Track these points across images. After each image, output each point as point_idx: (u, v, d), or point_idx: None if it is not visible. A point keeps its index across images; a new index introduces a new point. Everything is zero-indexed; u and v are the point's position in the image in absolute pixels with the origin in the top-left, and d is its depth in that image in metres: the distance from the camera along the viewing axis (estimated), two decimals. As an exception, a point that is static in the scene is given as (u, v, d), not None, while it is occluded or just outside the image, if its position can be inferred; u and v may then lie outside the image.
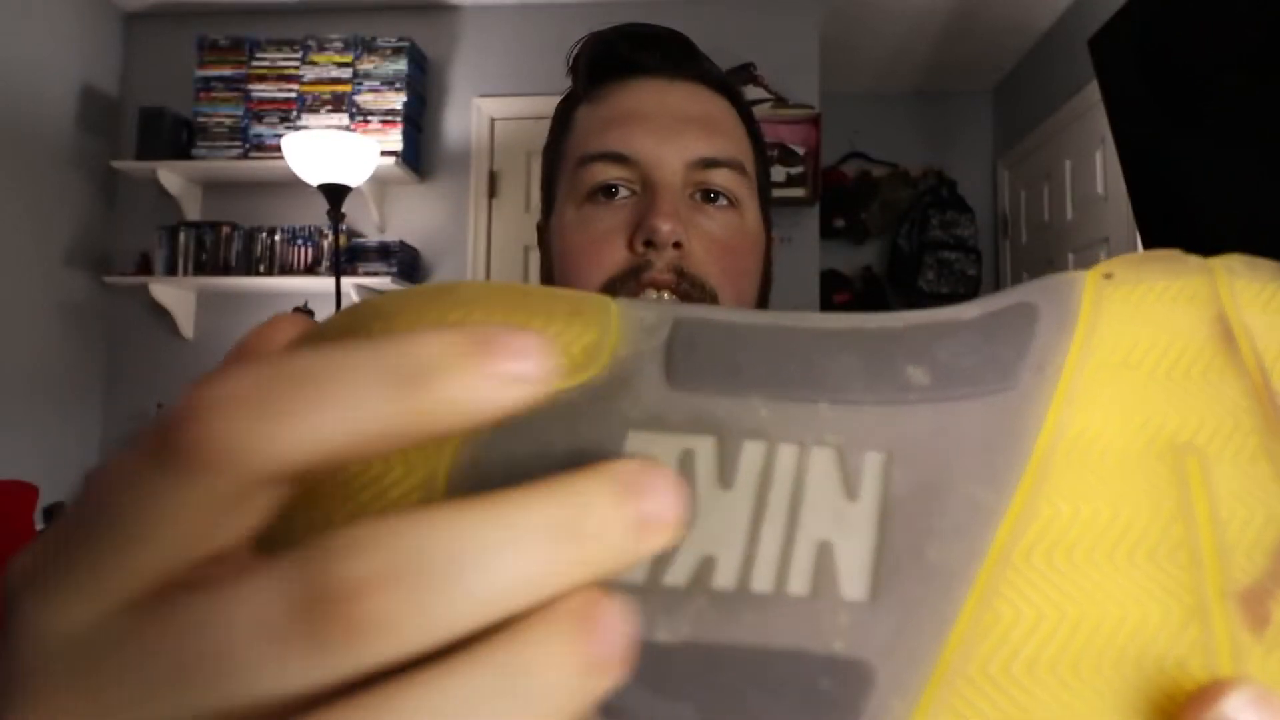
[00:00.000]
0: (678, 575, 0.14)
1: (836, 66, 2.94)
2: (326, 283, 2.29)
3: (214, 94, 2.49)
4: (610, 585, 0.13)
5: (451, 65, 2.60)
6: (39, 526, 1.83)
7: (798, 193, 2.41)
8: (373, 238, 2.47)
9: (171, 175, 2.44)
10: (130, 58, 2.67)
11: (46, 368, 2.35)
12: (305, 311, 2.33)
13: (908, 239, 3.12)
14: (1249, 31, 1.28)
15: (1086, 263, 2.53)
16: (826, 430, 0.15)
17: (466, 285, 0.16)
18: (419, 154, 2.55)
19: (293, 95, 2.47)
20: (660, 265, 0.46)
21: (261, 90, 2.48)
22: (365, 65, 2.45)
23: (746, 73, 2.39)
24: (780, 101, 2.41)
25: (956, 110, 3.31)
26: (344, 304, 2.22)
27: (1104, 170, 2.41)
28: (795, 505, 0.14)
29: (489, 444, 0.14)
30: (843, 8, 2.63)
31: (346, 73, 2.46)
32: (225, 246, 2.43)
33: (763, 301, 0.53)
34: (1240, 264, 0.18)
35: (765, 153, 0.56)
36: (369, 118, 2.43)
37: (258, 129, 2.46)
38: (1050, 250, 2.78)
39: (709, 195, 0.49)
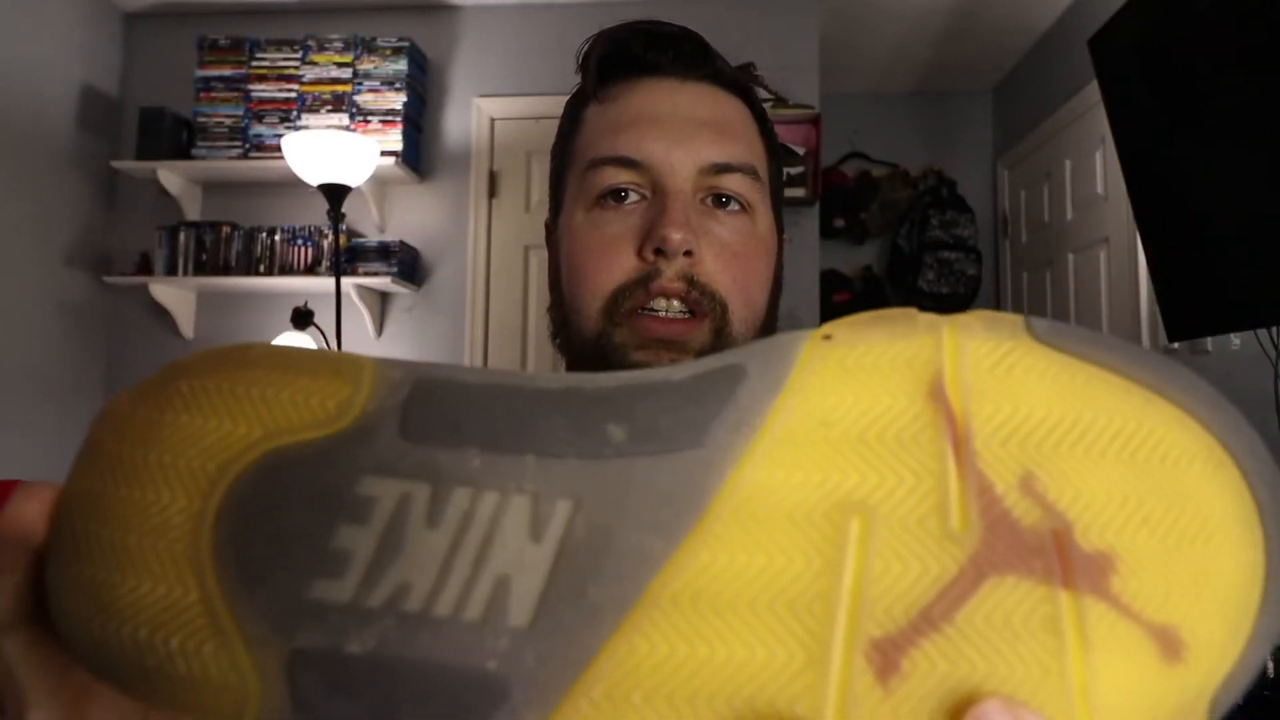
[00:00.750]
0: (376, 598, 0.17)
1: (836, 66, 2.94)
2: (326, 283, 2.29)
3: (214, 94, 2.49)
4: (319, 602, 0.17)
5: (451, 65, 2.60)
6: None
7: (798, 193, 2.41)
8: (373, 238, 2.47)
9: (171, 175, 2.44)
10: (130, 58, 2.67)
11: (46, 368, 2.35)
12: (305, 311, 2.33)
13: (908, 239, 3.12)
14: (1249, 31, 1.28)
15: (1087, 262, 2.52)
16: (527, 479, 0.17)
17: (255, 347, 0.19)
18: (419, 154, 2.55)
19: (293, 95, 2.47)
20: (670, 274, 0.45)
21: (261, 90, 2.48)
22: (365, 65, 2.45)
23: (746, 73, 2.39)
24: (780, 101, 2.41)
25: (956, 110, 3.30)
26: (344, 304, 2.23)
27: (1104, 170, 2.41)
28: (486, 544, 0.17)
29: (252, 483, 0.17)
30: (843, 8, 2.63)
31: (346, 73, 2.46)
32: (225, 246, 2.43)
33: (773, 305, 0.51)
34: (980, 323, 0.18)
35: (778, 154, 0.55)
36: (369, 118, 2.43)
37: (258, 129, 2.46)
38: (1050, 250, 2.78)
39: (720, 200, 0.48)
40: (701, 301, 0.46)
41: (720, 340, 0.46)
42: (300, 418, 0.18)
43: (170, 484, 0.18)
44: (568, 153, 0.52)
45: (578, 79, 0.53)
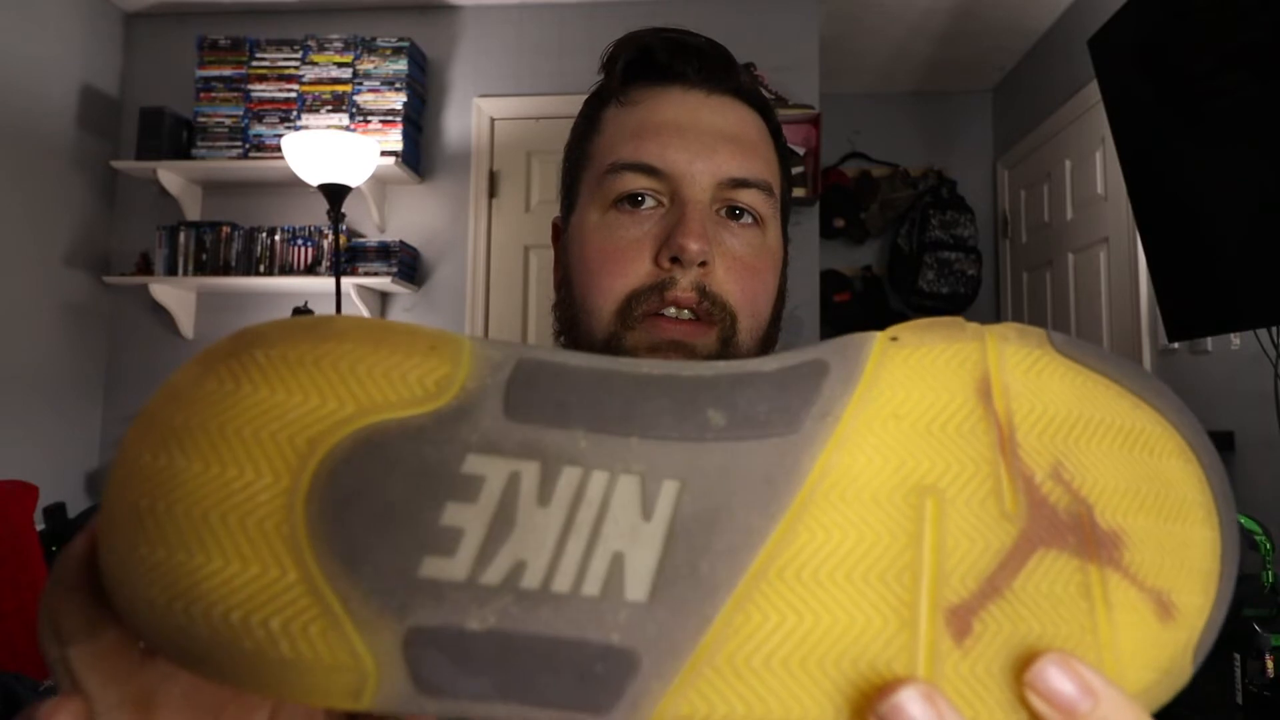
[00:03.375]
0: (493, 575, 0.17)
1: (836, 66, 2.94)
2: (326, 283, 2.29)
3: (214, 94, 2.49)
4: (435, 581, 0.17)
5: (451, 65, 2.60)
6: (39, 526, 1.83)
7: (798, 193, 2.41)
8: (373, 238, 2.48)
9: (171, 175, 2.44)
10: (130, 58, 2.67)
11: (47, 368, 2.35)
12: (305, 311, 2.32)
13: (908, 239, 3.12)
14: (1249, 31, 1.28)
15: (1087, 262, 2.52)
16: (635, 460, 0.18)
17: (341, 319, 0.19)
18: (419, 154, 2.55)
19: (293, 95, 2.47)
20: (684, 283, 0.46)
21: (261, 90, 2.48)
22: (365, 65, 2.45)
23: (747, 73, 2.39)
24: (780, 101, 2.41)
25: (956, 110, 3.30)
26: (344, 304, 2.23)
27: (1104, 170, 2.41)
28: (599, 521, 0.18)
29: (347, 460, 0.17)
30: (843, 8, 2.63)
31: (346, 73, 2.46)
32: (225, 246, 2.43)
33: (776, 317, 0.52)
34: (1014, 332, 0.21)
35: (790, 169, 0.56)
36: (369, 118, 2.43)
37: (258, 129, 2.46)
38: (1050, 250, 2.78)
39: (734, 212, 0.49)
40: (713, 312, 0.47)
41: (727, 349, 0.47)
42: (397, 394, 0.18)
43: (254, 459, 0.18)
44: (584, 153, 0.52)
45: (590, 78, 0.53)
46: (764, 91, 2.20)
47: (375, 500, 0.17)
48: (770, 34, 2.50)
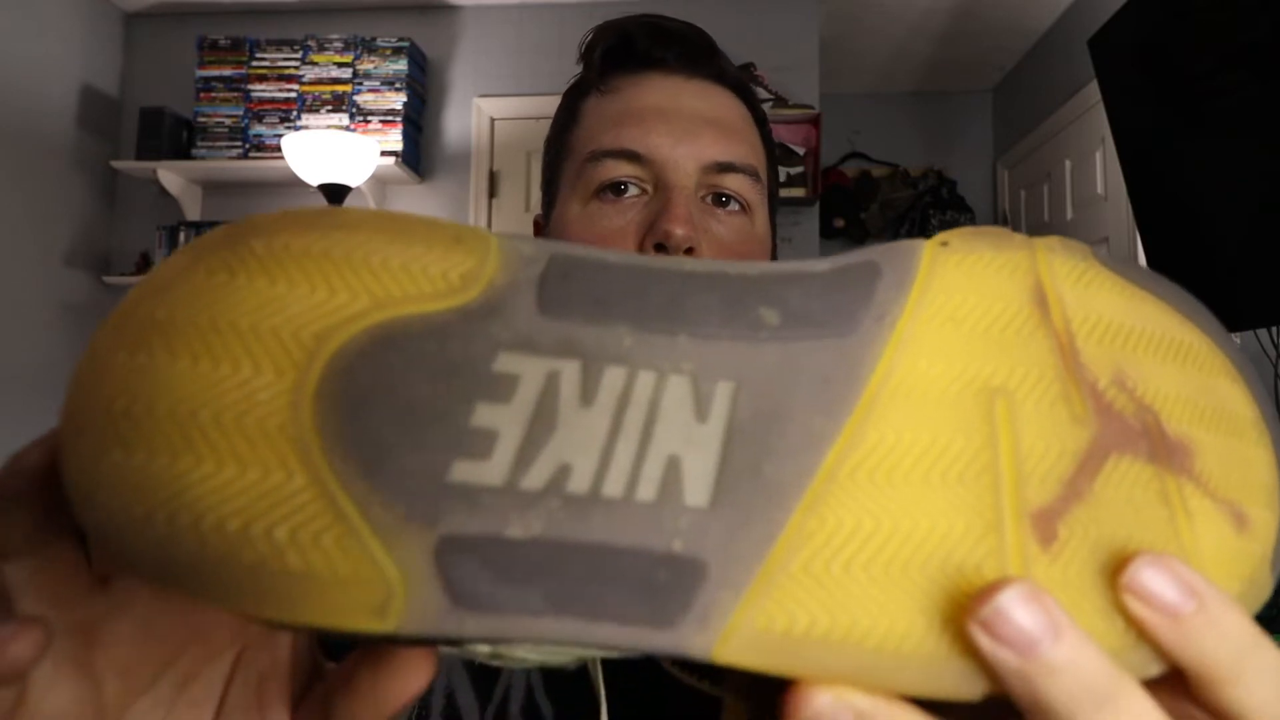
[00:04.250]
0: (534, 479, 0.16)
1: (836, 66, 2.94)
2: (326, 283, 2.29)
3: (214, 94, 2.49)
4: (468, 485, 0.16)
5: (451, 65, 2.60)
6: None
7: (798, 193, 2.41)
8: (373, 238, 2.47)
9: (171, 175, 2.44)
10: (130, 58, 2.67)
11: (47, 368, 2.35)
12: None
13: (908, 239, 3.12)
14: (1249, 31, 1.28)
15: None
16: (684, 359, 0.17)
17: (351, 210, 0.17)
18: (419, 154, 2.55)
19: (293, 95, 2.47)
20: None
21: (261, 90, 2.48)
22: (365, 65, 2.45)
23: (746, 73, 2.39)
24: (780, 101, 2.41)
25: (956, 110, 3.30)
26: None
27: (1104, 170, 2.41)
28: (650, 423, 0.16)
29: (362, 357, 0.16)
30: (843, 8, 2.63)
31: (346, 73, 2.46)
32: (225, 246, 2.43)
33: None
34: (1059, 243, 0.20)
35: (775, 157, 0.55)
36: (369, 118, 2.43)
37: (258, 129, 2.46)
38: (1050, 250, 2.78)
39: (720, 199, 0.48)
40: None
41: None
42: (417, 287, 0.16)
43: (253, 354, 0.16)
44: (564, 144, 0.51)
45: (578, 71, 0.52)
46: (764, 91, 2.18)
47: (396, 400, 0.16)
48: (770, 34, 2.50)
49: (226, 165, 2.44)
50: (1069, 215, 2.66)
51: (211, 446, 0.15)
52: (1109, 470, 0.18)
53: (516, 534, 0.15)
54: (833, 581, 0.16)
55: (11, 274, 2.24)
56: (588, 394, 0.16)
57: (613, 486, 0.16)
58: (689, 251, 0.45)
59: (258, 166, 2.42)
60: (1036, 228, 2.90)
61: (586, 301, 0.17)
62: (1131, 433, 0.18)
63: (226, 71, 2.49)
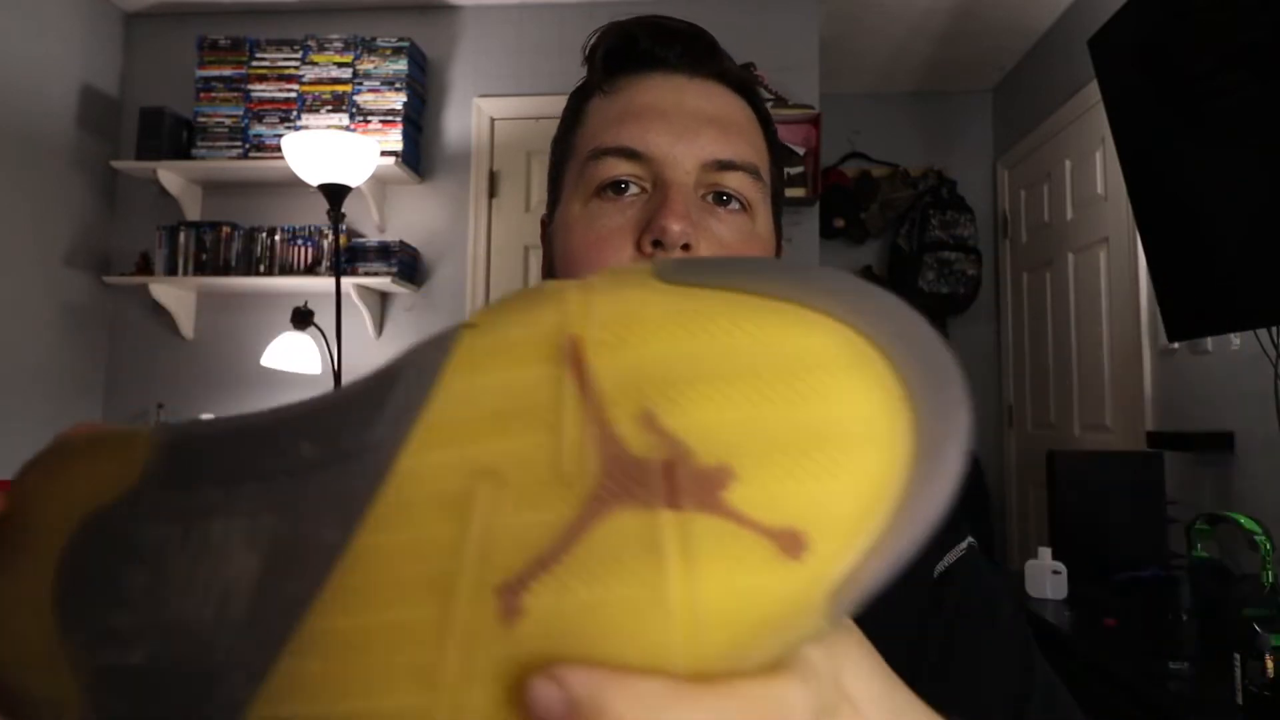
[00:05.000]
0: (146, 616, 0.20)
1: (836, 66, 2.94)
2: (326, 283, 2.29)
3: (214, 94, 2.49)
4: (112, 627, 0.20)
5: (451, 65, 2.60)
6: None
7: (798, 193, 2.41)
8: (373, 238, 2.48)
9: (171, 175, 2.44)
10: (130, 58, 2.67)
11: (47, 367, 2.35)
12: (305, 311, 2.33)
13: (908, 239, 3.12)
14: (1249, 31, 1.29)
15: (1087, 262, 2.50)
16: (246, 502, 0.20)
17: (67, 436, 0.24)
18: (419, 154, 2.55)
19: (293, 95, 2.47)
20: None
21: (261, 90, 2.48)
22: (365, 65, 2.45)
23: (746, 73, 2.39)
24: (780, 101, 2.41)
25: (956, 110, 3.31)
26: (344, 304, 2.22)
27: (1104, 170, 2.41)
28: (219, 561, 0.20)
29: (75, 543, 0.21)
30: (843, 8, 2.63)
31: (346, 73, 2.46)
32: (225, 246, 2.43)
33: None
34: (605, 280, 0.20)
35: (780, 156, 0.55)
36: (369, 118, 2.44)
37: (258, 129, 2.46)
38: (1050, 250, 2.78)
39: (721, 198, 0.48)
40: None
41: None
42: (97, 490, 0.22)
43: (28, 549, 0.22)
44: (568, 145, 0.52)
45: (582, 75, 0.52)
46: (764, 91, 2.18)
47: (87, 570, 0.21)
48: (770, 34, 2.50)
49: (226, 165, 2.44)
50: (1069, 215, 2.66)
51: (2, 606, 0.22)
52: (593, 531, 0.18)
53: (135, 660, 0.20)
54: (339, 665, 0.19)
55: (11, 274, 2.24)
56: (185, 545, 0.20)
57: (190, 614, 0.19)
58: (685, 248, 0.44)
59: (258, 166, 2.43)
60: (1036, 227, 2.91)
61: (191, 471, 0.21)
62: (634, 481, 0.18)
63: (226, 71, 2.49)
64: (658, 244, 0.44)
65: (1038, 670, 0.44)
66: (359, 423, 0.20)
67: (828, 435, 0.18)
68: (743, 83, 0.52)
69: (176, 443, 0.22)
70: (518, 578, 0.18)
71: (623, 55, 0.50)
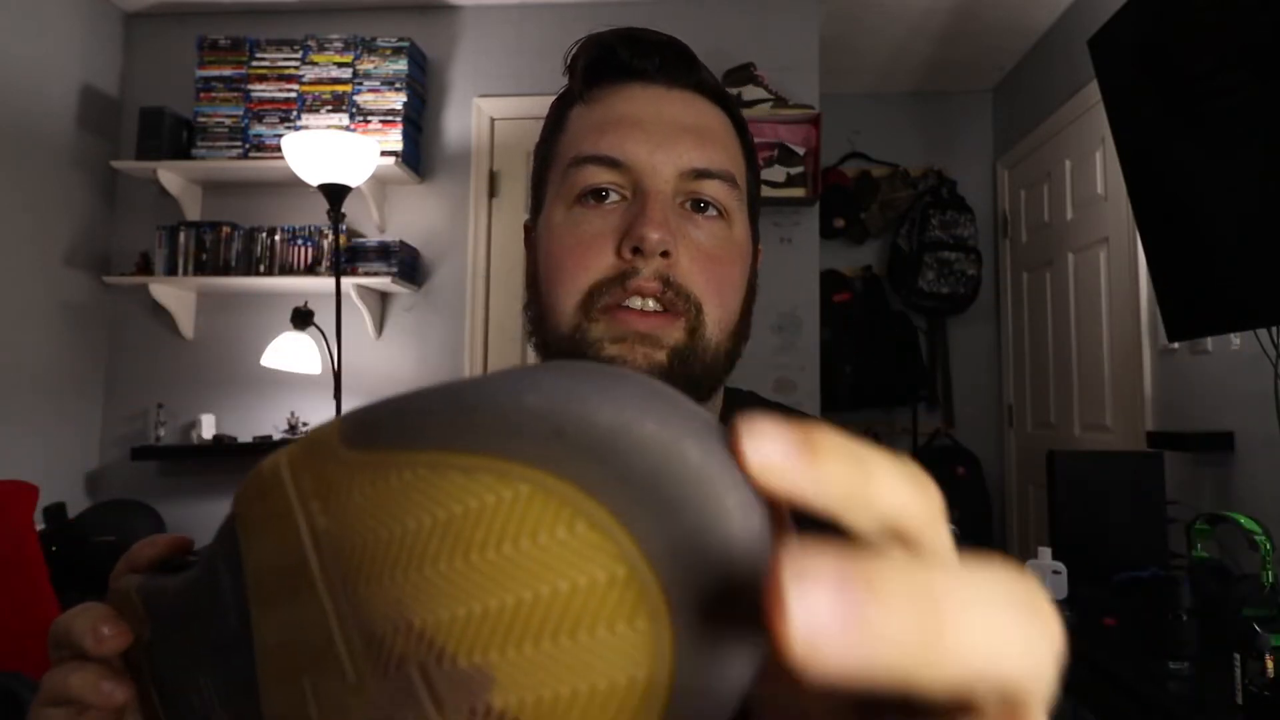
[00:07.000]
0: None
1: (836, 66, 2.94)
2: (326, 283, 2.29)
3: (214, 94, 2.49)
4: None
5: (451, 65, 2.60)
6: (39, 526, 1.83)
7: (798, 193, 2.41)
8: (373, 238, 2.47)
9: (171, 175, 2.44)
10: (130, 58, 2.67)
11: (47, 367, 2.35)
12: (305, 311, 2.33)
13: (907, 239, 3.12)
14: (1249, 31, 1.28)
15: (1087, 262, 2.50)
16: (205, 668, 0.25)
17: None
18: (419, 154, 2.55)
19: (293, 95, 2.47)
20: (647, 273, 0.46)
21: (261, 90, 2.48)
22: (365, 65, 2.45)
23: (746, 73, 2.39)
24: (780, 101, 2.41)
25: (956, 110, 3.31)
26: (344, 304, 2.22)
27: (1104, 170, 2.41)
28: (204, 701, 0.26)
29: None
30: (843, 8, 2.63)
31: (346, 73, 2.46)
32: (225, 246, 2.43)
33: (746, 312, 0.53)
34: (300, 448, 0.19)
35: (757, 164, 0.57)
36: (369, 118, 2.43)
37: (258, 129, 2.46)
38: (1050, 250, 2.78)
39: (699, 205, 0.50)
40: (676, 301, 0.47)
41: (694, 339, 0.47)
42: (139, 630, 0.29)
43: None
44: (550, 152, 0.53)
45: (565, 81, 0.54)
46: (764, 91, 2.18)
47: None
48: (770, 34, 2.50)
49: (226, 165, 2.44)
50: (1069, 215, 2.66)
51: None
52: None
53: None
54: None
55: (11, 274, 2.24)
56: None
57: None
58: (664, 255, 0.46)
59: (258, 166, 2.43)
60: (1036, 227, 2.91)
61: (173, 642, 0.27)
62: (407, 689, 0.16)
63: (226, 71, 2.49)
64: (637, 250, 0.46)
65: None
66: (218, 612, 0.23)
67: (569, 622, 0.15)
68: (720, 93, 0.54)
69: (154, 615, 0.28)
70: None
71: (602, 66, 0.51)
